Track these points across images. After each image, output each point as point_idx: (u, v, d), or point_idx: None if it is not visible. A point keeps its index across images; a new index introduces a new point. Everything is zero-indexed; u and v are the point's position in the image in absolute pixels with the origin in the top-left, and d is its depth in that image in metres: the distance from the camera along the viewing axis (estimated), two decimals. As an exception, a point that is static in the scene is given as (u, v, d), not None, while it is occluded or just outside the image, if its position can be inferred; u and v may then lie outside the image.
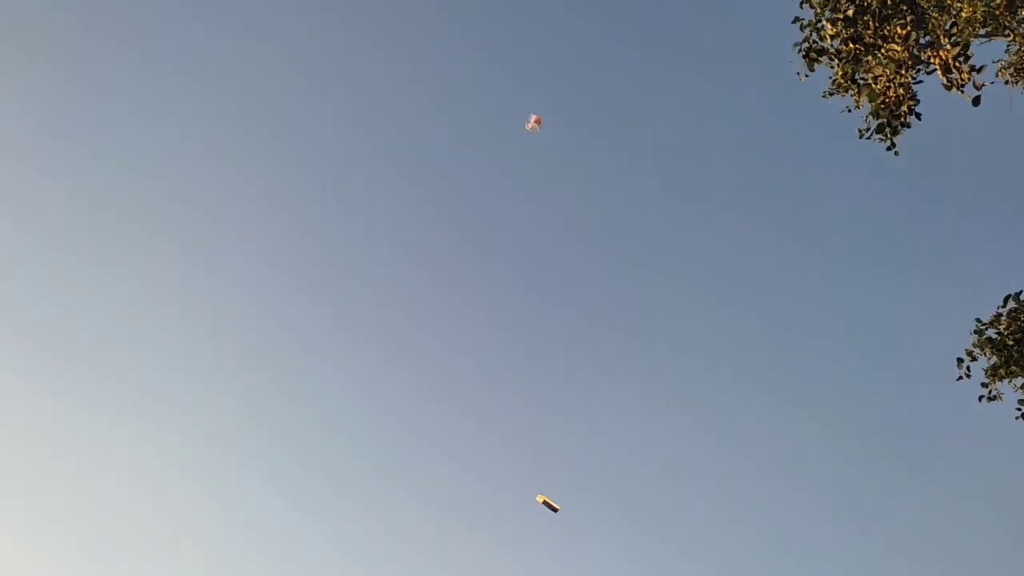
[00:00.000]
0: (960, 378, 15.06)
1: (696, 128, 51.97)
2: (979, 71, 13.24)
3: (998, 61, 13.59)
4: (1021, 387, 14.33)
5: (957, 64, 13.41)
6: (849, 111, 14.92)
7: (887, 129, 14.04)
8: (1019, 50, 13.48)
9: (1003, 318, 14.55)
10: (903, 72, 13.89)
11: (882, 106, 13.87)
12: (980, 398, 14.89)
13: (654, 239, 53.21)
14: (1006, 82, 13.80)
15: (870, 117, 14.37)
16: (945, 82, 13.57)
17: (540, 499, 19.88)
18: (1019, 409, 14.41)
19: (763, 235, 50.86)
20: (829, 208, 50.96)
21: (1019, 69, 13.53)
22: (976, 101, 13.06)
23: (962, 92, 13.10)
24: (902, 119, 13.80)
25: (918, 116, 13.86)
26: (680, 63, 51.95)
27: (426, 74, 53.14)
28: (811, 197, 51.47)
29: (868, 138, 14.75)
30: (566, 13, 51.27)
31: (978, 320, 14.82)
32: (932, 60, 13.37)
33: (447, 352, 53.45)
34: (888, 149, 14.20)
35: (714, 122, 51.67)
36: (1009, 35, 13.06)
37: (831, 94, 14.16)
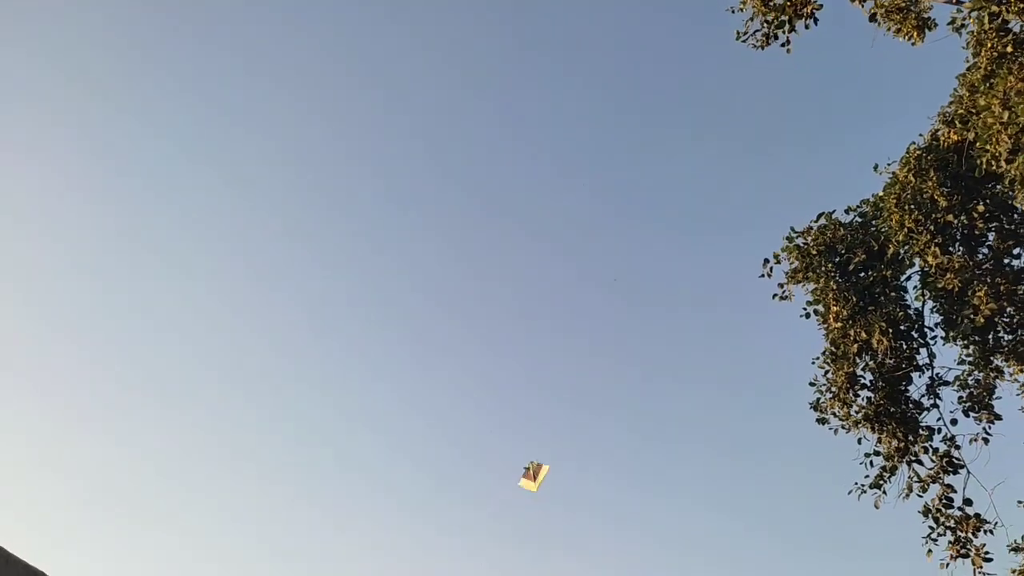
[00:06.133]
0: (762, 276, 16.65)
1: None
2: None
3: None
4: (810, 291, 16.19)
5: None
6: (733, 12, 16.23)
7: (787, 25, 15.34)
8: None
9: (813, 230, 16.39)
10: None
11: (789, 3, 15.19)
12: (774, 296, 16.54)
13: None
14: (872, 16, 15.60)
15: (761, 15, 15.62)
16: None
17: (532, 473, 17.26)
18: (804, 310, 16.22)
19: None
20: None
21: (890, 10, 15.56)
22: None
23: (862, 5, 14.80)
24: (804, 18, 15.17)
25: (816, 20, 15.34)
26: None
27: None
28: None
29: (744, 41, 16.09)
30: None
31: (792, 228, 16.52)
32: None
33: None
34: (782, 46, 15.50)
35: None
36: None
37: None
